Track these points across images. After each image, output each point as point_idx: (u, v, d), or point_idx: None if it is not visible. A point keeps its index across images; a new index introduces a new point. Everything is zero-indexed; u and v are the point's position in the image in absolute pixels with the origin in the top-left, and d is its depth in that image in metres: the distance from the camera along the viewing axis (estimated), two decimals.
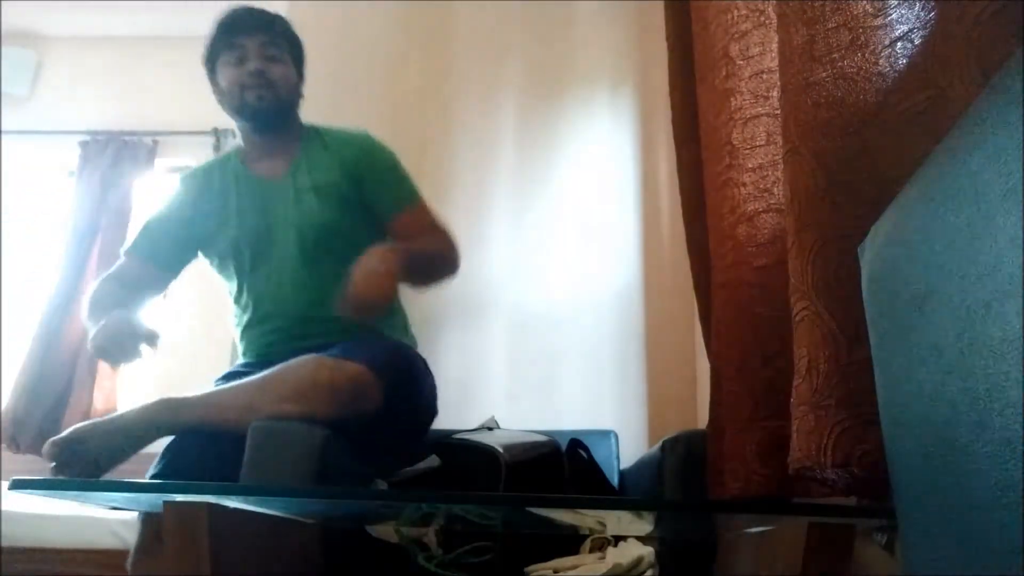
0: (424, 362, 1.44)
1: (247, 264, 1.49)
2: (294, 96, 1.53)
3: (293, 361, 1.24)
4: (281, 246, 1.46)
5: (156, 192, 3.27)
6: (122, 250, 1.57)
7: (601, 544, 1.32)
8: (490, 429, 1.50)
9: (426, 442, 1.35)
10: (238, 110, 1.48)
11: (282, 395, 1.19)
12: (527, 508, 0.99)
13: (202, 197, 1.53)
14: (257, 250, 1.47)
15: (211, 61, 1.50)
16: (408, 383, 1.33)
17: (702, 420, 1.18)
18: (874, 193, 0.66)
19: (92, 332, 1.29)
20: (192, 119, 3.25)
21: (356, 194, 1.49)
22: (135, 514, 1.37)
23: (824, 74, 0.71)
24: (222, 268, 1.54)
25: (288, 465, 1.09)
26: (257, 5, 1.50)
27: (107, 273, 1.53)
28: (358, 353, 1.24)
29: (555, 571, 1.28)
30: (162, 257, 1.54)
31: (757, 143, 0.96)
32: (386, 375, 1.23)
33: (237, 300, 1.53)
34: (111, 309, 1.32)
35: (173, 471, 1.21)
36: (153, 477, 1.23)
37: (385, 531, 1.35)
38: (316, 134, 1.56)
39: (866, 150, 0.68)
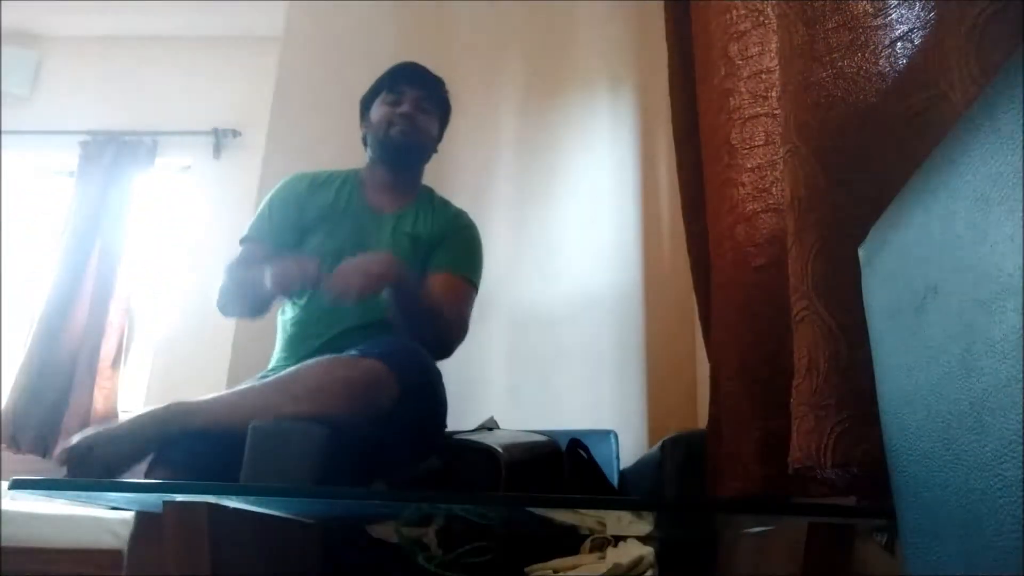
0: (435, 364, 1.44)
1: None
2: (428, 148, 1.68)
3: (309, 361, 1.26)
4: None
5: (157, 191, 3.27)
6: (240, 239, 1.61)
7: (601, 544, 1.32)
8: (490, 429, 1.49)
9: (437, 444, 1.35)
10: (380, 141, 1.62)
11: (298, 394, 1.20)
12: (527, 508, 0.99)
13: (317, 197, 1.63)
14: (337, 258, 1.51)
15: (370, 98, 1.67)
16: (423, 379, 1.34)
17: (702, 420, 1.18)
18: (874, 193, 0.66)
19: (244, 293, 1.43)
20: (192, 119, 3.25)
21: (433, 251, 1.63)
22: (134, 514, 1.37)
23: (824, 74, 0.71)
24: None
25: (288, 465, 1.09)
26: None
27: (230, 263, 1.56)
28: (373, 351, 1.27)
29: (555, 571, 1.28)
30: (284, 241, 1.59)
31: (756, 143, 0.96)
32: (400, 369, 1.25)
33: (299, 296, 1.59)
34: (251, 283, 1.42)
35: (172, 464, 1.21)
36: (151, 465, 1.22)
37: (385, 531, 1.35)
38: (429, 194, 1.72)
39: (866, 150, 0.68)
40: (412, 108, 1.61)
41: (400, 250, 1.57)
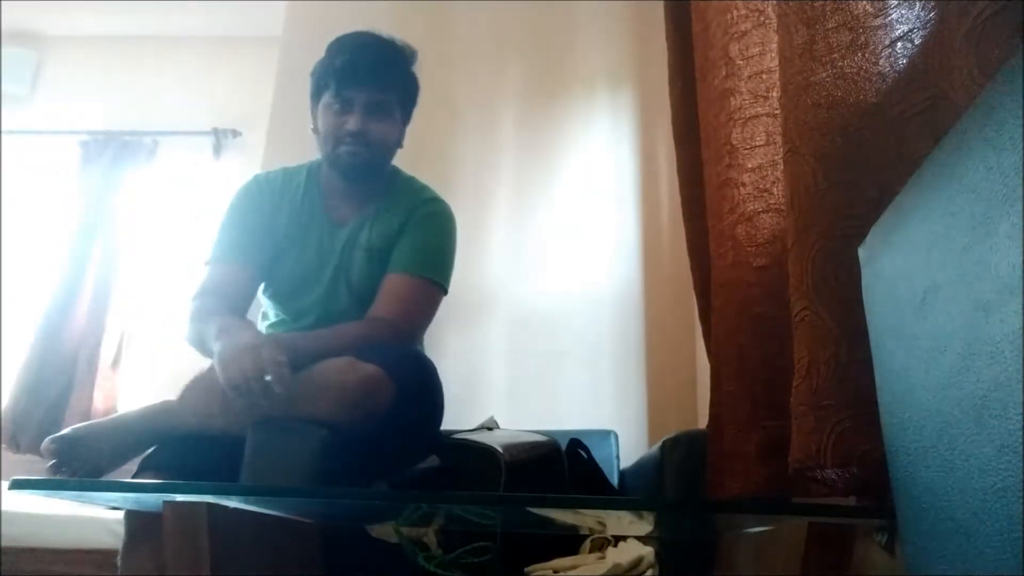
0: (436, 372, 1.39)
1: (289, 286, 1.47)
2: (389, 152, 1.49)
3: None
4: (329, 286, 1.45)
5: (157, 191, 3.27)
6: (205, 261, 1.46)
7: (601, 544, 1.32)
8: (490, 429, 1.49)
9: (432, 445, 1.34)
10: (329, 157, 1.44)
11: (290, 398, 1.18)
12: (527, 508, 0.99)
13: (282, 215, 1.48)
14: (304, 281, 1.46)
15: (316, 88, 1.46)
16: (421, 387, 1.30)
17: (702, 420, 1.18)
18: (874, 193, 0.66)
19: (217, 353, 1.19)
20: (192, 119, 3.25)
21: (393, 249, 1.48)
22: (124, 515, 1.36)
23: (824, 74, 0.71)
24: (269, 273, 1.50)
25: (288, 465, 1.09)
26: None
27: (198, 290, 1.42)
28: (372, 356, 1.22)
29: (555, 571, 1.28)
30: (257, 260, 1.45)
31: (756, 143, 0.96)
32: (399, 377, 1.21)
33: (273, 300, 1.52)
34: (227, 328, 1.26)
35: (161, 467, 1.20)
36: (146, 460, 1.22)
37: (385, 531, 1.35)
38: (393, 183, 1.52)
39: (866, 150, 0.68)
40: (362, 122, 1.39)
41: (355, 264, 1.45)
